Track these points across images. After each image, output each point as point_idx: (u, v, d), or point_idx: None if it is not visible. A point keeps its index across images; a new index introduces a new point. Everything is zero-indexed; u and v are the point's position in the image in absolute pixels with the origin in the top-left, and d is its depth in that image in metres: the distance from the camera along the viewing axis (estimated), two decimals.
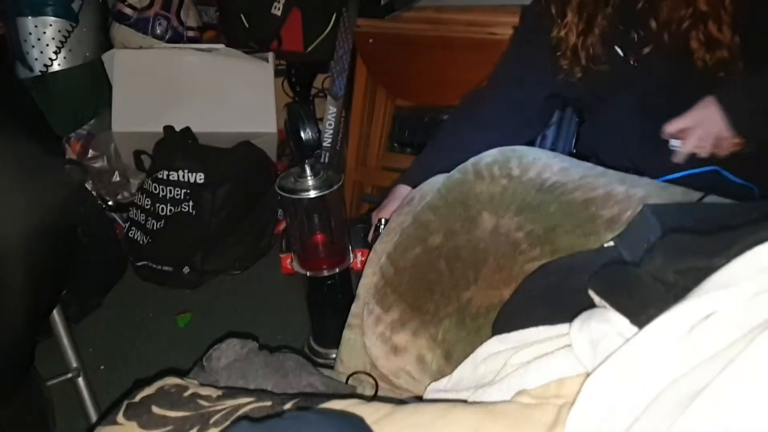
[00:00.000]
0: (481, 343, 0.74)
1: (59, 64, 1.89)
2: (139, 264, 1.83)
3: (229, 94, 1.90)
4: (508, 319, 0.71)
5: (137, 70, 1.87)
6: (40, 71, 1.89)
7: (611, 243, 0.76)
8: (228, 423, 0.56)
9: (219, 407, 0.61)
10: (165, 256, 1.78)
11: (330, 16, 1.95)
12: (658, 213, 0.76)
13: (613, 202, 0.81)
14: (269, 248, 1.94)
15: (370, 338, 0.84)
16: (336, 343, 1.47)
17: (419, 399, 0.75)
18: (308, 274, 1.43)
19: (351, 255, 1.45)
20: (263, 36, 1.94)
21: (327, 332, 1.50)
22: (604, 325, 0.50)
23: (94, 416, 1.38)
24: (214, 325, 1.73)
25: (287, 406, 0.58)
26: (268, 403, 0.58)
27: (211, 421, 0.59)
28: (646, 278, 0.52)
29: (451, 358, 0.77)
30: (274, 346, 1.20)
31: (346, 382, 0.88)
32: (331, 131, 1.97)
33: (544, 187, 0.85)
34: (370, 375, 0.88)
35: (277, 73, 2.03)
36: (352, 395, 0.73)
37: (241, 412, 0.58)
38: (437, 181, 0.95)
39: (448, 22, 1.79)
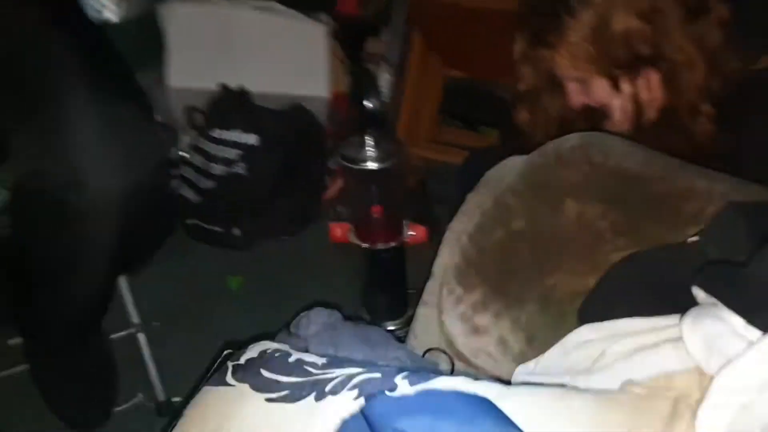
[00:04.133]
0: (565, 328, 0.77)
1: (115, 13, 1.89)
2: (189, 222, 1.87)
3: (281, 54, 1.91)
4: (598, 308, 0.73)
5: (193, 25, 1.87)
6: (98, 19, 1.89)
7: (695, 238, 0.78)
8: (346, 390, 0.59)
9: (330, 375, 0.64)
10: (215, 216, 1.82)
11: None
12: (743, 211, 0.78)
13: (695, 196, 0.83)
14: (317, 214, 1.97)
15: (450, 317, 0.87)
16: (388, 315, 1.52)
17: (499, 379, 0.79)
18: (364, 245, 1.46)
19: (406, 229, 1.49)
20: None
21: (379, 305, 1.54)
22: (718, 323, 0.52)
23: (153, 371, 1.43)
24: (264, 288, 1.77)
25: (397, 379, 0.60)
26: (378, 375, 0.61)
27: (327, 388, 0.62)
28: (759, 278, 0.55)
29: (533, 342, 0.80)
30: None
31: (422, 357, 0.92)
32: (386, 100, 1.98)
33: (627, 177, 0.87)
34: (445, 352, 0.91)
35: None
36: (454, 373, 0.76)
37: (354, 381, 0.61)
38: (514, 162, 0.97)
39: None
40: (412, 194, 1.53)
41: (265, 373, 0.67)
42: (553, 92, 1.27)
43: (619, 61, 1.12)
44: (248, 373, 0.68)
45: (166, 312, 1.68)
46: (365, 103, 1.31)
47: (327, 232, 1.89)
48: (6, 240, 1.04)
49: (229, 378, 0.69)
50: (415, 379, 0.60)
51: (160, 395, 1.44)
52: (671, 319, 0.61)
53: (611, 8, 1.09)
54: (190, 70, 1.85)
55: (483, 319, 0.84)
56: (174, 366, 1.47)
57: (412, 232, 1.51)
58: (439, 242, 1.16)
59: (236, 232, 1.83)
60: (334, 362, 0.67)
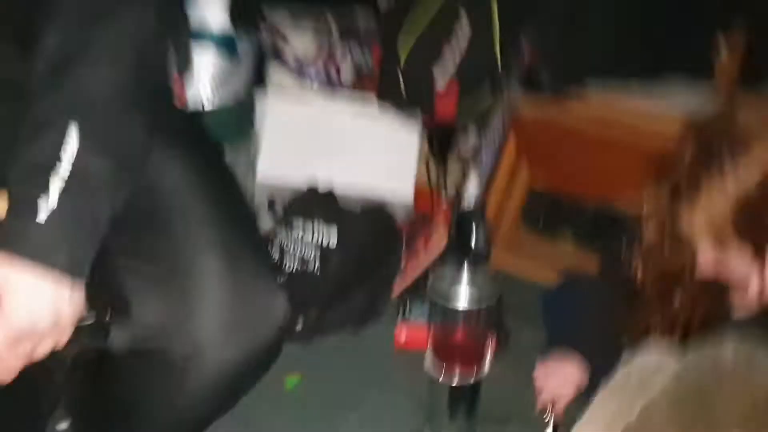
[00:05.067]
0: None
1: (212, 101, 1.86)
2: None
3: (372, 156, 1.86)
4: None
5: (288, 118, 1.84)
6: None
7: None
8: None
9: None
10: None
11: (485, 89, 1.88)
12: None
13: None
14: (381, 314, 1.88)
15: None
16: None
17: None
18: (441, 379, 1.38)
19: (486, 365, 1.39)
20: (419, 103, 1.88)
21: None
22: None
23: None
24: (321, 391, 1.67)
25: None
26: None
27: None
28: None
29: None
30: None
31: None
32: None
33: None
34: None
35: None
36: None
37: None
38: (658, 364, 0.87)
39: (621, 125, 1.69)
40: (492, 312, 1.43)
41: None
42: (677, 250, 1.16)
43: None
44: None
45: None
46: (471, 242, 1.24)
47: (391, 333, 1.82)
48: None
49: None
50: None
51: None
52: None
53: None
54: (282, 165, 1.80)
55: None
56: None
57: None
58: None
59: (299, 326, 1.75)
60: None
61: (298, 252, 1.70)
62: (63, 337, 0.75)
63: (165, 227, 0.85)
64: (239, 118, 1.86)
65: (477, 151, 1.90)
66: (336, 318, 1.80)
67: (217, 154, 1.03)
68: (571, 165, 1.79)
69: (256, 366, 0.87)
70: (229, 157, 1.88)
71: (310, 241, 1.69)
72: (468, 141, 1.99)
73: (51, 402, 1.09)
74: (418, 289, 1.88)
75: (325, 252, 1.70)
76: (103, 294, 0.82)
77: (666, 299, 1.20)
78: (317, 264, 1.70)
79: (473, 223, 1.21)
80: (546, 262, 1.90)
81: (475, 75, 1.85)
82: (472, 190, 1.91)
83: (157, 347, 0.82)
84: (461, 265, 1.25)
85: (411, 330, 1.77)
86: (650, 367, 0.86)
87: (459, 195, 1.90)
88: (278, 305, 0.87)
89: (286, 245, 1.72)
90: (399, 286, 1.91)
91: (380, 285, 1.86)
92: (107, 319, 0.84)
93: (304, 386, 1.68)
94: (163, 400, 0.87)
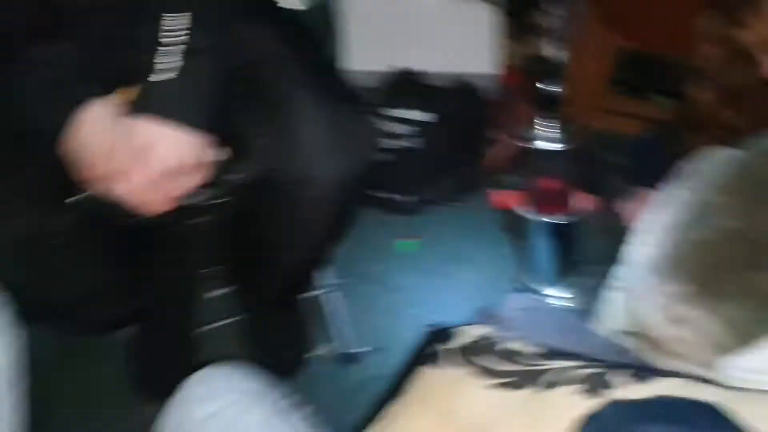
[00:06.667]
0: None
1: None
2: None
3: (447, 34, 1.99)
4: None
5: (371, 9, 1.97)
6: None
7: None
8: (571, 385, 0.62)
9: (544, 366, 0.68)
10: (392, 186, 1.92)
11: None
12: None
13: None
14: (478, 182, 2.04)
15: (648, 306, 0.88)
16: (555, 283, 1.55)
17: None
18: (539, 218, 1.50)
19: (576, 201, 1.50)
20: None
21: (548, 273, 1.58)
22: None
23: (343, 325, 1.58)
24: (433, 251, 1.90)
25: (622, 377, 0.62)
26: (600, 371, 0.64)
27: (540, 380, 0.65)
28: None
29: (738, 335, 0.80)
30: None
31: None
32: None
33: None
34: (637, 336, 0.92)
35: None
36: (676, 373, 0.76)
37: (571, 374, 0.64)
38: (720, 157, 0.95)
39: None
40: (582, 164, 1.53)
41: (478, 361, 0.71)
42: (737, 65, 1.19)
43: None
44: (460, 359, 0.73)
45: (352, 273, 1.79)
46: (543, 86, 1.34)
47: (487, 199, 1.97)
48: (229, 221, 1.17)
49: (444, 362, 0.74)
50: (641, 379, 0.62)
51: (346, 347, 1.58)
52: None
53: None
54: (371, 52, 1.95)
55: (683, 311, 0.84)
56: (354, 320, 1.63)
57: (583, 202, 1.54)
58: (612, 213, 1.18)
59: (410, 199, 1.94)
60: (548, 354, 0.70)
61: (398, 131, 1.88)
62: (197, 175, 0.95)
63: (266, 81, 1.03)
64: (326, 15, 1.99)
65: (554, 20, 1.94)
66: (443, 191, 1.98)
67: (303, 31, 1.20)
68: (653, 17, 1.80)
69: (355, 188, 1.05)
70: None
71: (408, 119, 1.86)
72: (545, 11, 2.03)
73: (200, 258, 1.32)
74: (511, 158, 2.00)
75: (425, 127, 1.86)
76: (226, 138, 1.01)
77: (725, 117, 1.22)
78: (418, 139, 1.87)
79: (541, 71, 1.31)
80: (637, 119, 1.95)
81: None
82: (552, 57, 1.98)
83: (274, 174, 1.00)
84: (539, 110, 1.35)
85: (507, 195, 1.91)
86: (712, 160, 0.94)
87: (540, 65, 1.97)
88: (367, 128, 1.05)
89: (389, 127, 1.90)
90: (491, 157, 2.04)
91: (475, 158, 2.01)
92: (232, 157, 1.04)
93: (421, 248, 1.92)
94: (289, 227, 1.07)
